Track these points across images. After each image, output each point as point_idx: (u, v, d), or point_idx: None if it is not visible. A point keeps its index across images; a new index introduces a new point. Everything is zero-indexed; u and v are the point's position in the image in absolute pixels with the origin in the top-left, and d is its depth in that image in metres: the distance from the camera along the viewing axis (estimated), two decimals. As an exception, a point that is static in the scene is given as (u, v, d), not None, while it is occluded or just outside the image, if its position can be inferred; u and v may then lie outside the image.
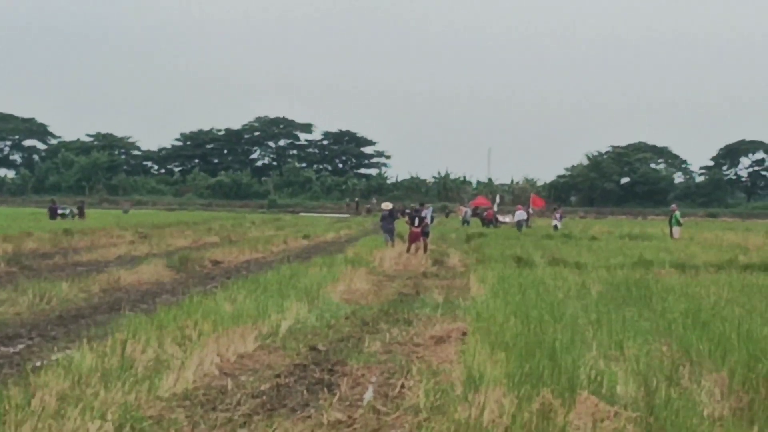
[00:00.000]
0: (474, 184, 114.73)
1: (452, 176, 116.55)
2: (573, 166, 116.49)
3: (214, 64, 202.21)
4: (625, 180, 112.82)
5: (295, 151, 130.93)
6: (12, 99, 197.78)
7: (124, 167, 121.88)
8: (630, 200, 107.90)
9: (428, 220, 27.62)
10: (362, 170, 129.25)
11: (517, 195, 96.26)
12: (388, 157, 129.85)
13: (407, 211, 31.20)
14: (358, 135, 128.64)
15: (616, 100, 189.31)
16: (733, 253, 22.75)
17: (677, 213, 36.09)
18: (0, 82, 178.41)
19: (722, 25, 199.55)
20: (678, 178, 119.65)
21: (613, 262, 19.42)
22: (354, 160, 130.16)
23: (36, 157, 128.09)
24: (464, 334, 9.56)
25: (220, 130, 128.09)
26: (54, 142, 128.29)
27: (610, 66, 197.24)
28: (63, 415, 5.64)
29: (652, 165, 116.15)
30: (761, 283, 14.80)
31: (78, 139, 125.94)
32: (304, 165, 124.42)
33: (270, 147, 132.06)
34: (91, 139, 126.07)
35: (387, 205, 28.73)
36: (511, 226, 47.55)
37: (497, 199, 71.39)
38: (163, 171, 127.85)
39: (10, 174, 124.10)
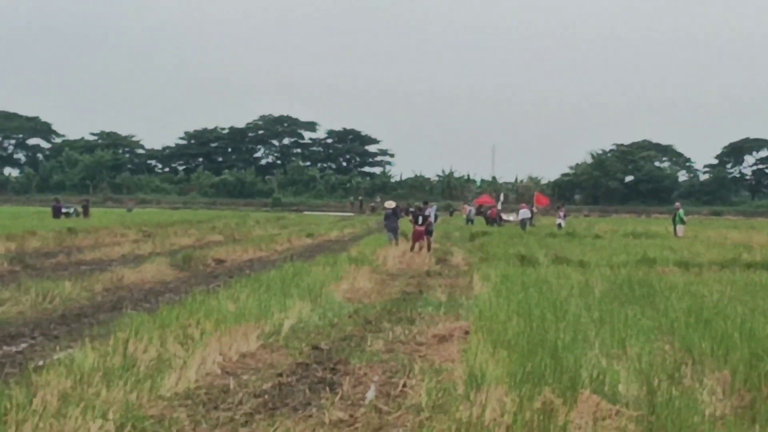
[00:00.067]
0: (478, 183, 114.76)
1: (456, 175, 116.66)
2: (577, 165, 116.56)
3: (218, 63, 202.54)
4: (629, 178, 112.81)
5: (299, 150, 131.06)
6: (16, 98, 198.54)
7: (128, 166, 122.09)
8: (634, 198, 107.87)
9: (432, 219, 27.63)
10: (366, 169, 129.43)
11: (521, 193, 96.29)
12: (392, 155, 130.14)
13: (411, 209, 31.17)
14: (362, 133, 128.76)
15: (620, 98, 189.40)
16: (736, 252, 22.70)
17: (681, 211, 36.05)
18: (4, 81, 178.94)
19: (726, 23, 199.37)
20: (682, 176, 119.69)
21: (617, 261, 19.39)
22: (358, 159, 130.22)
23: (40, 155, 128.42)
24: (467, 332, 9.55)
25: (224, 129, 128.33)
26: (58, 140, 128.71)
27: (614, 64, 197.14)
28: (64, 414, 5.64)
29: (657, 163, 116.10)
30: (764, 282, 14.76)
31: (82, 138, 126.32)
32: (308, 163, 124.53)
33: (274, 145, 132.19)
34: (95, 137, 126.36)
35: (390, 204, 28.74)
36: (515, 225, 47.51)
37: (501, 198, 71.36)
38: (167, 170, 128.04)
39: (15, 173, 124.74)
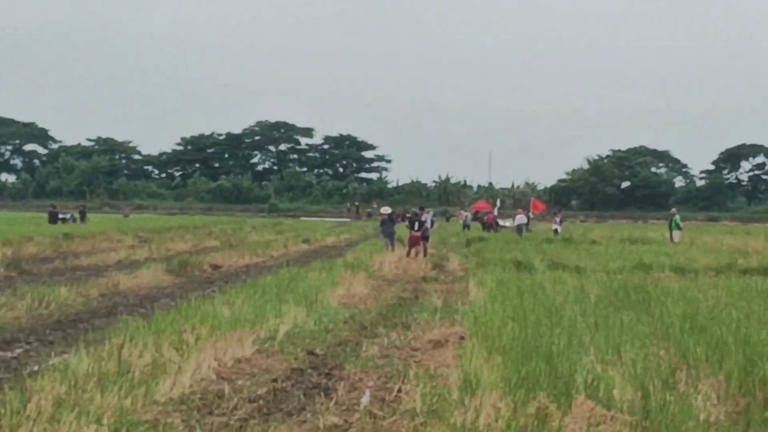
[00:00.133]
0: (475, 188, 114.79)
1: (453, 180, 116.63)
2: (574, 170, 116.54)
3: (215, 69, 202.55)
4: (625, 184, 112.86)
5: (295, 156, 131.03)
6: (13, 103, 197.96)
7: (125, 172, 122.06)
8: (631, 204, 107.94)
9: (428, 225, 27.65)
10: (363, 174, 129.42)
11: (517, 199, 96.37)
12: (388, 161, 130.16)
13: (408, 215, 31.19)
14: (358, 139, 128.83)
15: (617, 104, 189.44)
16: (732, 257, 22.74)
17: (677, 217, 36.12)
18: (1, 87, 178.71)
19: (722, 29, 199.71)
20: (679, 182, 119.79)
21: (613, 266, 19.43)
22: (355, 165, 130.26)
23: (37, 161, 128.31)
24: (462, 338, 9.56)
25: (220, 135, 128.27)
26: (55, 146, 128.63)
27: (611, 70, 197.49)
28: (58, 419, 5.63)
29: (653, 169, 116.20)
30: (760, 287, 14.78)
31: (79, 144, 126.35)
32: (304, 169, 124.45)
33: (271, 151, 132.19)
34: (91, 143, 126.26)
35: (386, 210, 28.77)
36: (511, 231, 47.53)
37: (498, 203, 71.45)
38: (163, 175, 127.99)
39: (11, 178, 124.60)
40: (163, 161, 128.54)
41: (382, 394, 7.27)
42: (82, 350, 7.80)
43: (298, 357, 8.97)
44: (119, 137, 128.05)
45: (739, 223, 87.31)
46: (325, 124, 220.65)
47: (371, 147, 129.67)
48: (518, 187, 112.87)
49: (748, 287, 14.90)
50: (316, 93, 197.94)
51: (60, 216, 51.57)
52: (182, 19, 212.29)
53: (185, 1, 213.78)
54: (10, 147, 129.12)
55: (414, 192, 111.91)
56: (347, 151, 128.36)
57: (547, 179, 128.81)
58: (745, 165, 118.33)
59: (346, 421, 6.34)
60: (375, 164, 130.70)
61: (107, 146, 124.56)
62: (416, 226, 25.35)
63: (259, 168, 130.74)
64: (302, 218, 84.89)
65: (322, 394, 7.21)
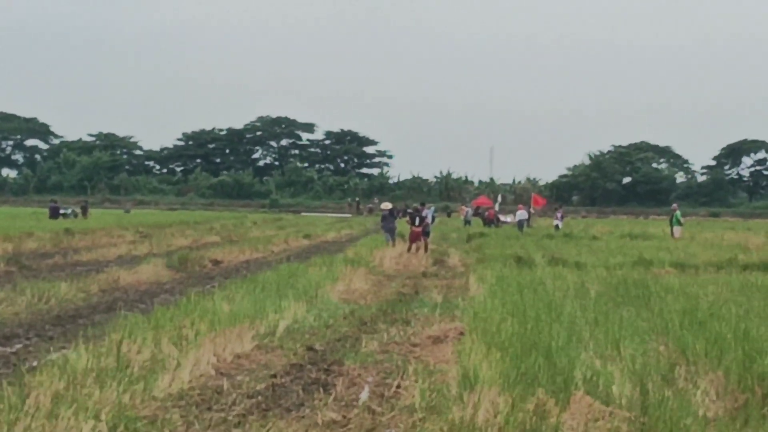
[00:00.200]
0: (476, 184, 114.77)
1: (454, 176, 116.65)
2: (575, 166, 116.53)
3: (216, 64, 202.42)
4: (627, 180, 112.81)
5: (297, 151, 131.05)
6: (14, 99, 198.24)
7: (126, 167, 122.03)
8: (632, 200, 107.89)
9: (429, 220, 27.65)
10: (364, 170, 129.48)
11: (518, 195, 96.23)
12: (390, 156, 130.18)
13: (409, 210, 31.20)
14: (360, 135, 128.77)
15: (618, 100, 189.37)
16: (733, 253, 22.70)
17: (678, 212, 36.05)
18: (2, 82, 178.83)
19: (724, 25, 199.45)
20: (680, 177, 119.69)
21: (613, 262, 19.40)
22: (356, 160, 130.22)
23: (38, 156, 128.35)
24: (462, 333, 9.55)
25: (222, 130, 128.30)
26: (56, 141, 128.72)
27: (612, 66, 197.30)
28: (57, 415, 5.63)
29: (654, 165, 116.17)
30: (760, 283, 14.77)
31: (80, 139, 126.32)
32: (306, 165, 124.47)
33: (272, 147, 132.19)
34: (93, 138, 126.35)
35: (387, 205, 28.77)
36: (512, 226, 47.52)
37: (499, 199, 71.44)
38: (165, 171, 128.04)
39: (12, 174, 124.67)
40: (165, 156, 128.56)
41: (381, 389, 7.27)
42: (81, 346, 7.80)
43: (298, 352, 8.96)
44: (120, 132, 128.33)
45: (740, 218, 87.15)
46: (326, 120, 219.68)
47: (372, 142, 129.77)
48: (519, 182, 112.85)
49: (749, 283, 14.88)
50: (317, 88, 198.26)
51: (61, 211, 51.61)
52: (184, 15, 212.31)
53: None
54: (11, 142, 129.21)
55: (415, 187, 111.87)
56: (348, 147, 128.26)
57: (548, 175, 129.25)
58: (747, 161, 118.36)
59: (344, 416, 6.34)
60: (376, 160, 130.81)
61: (108, 141, 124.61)
62: (417, 222, 25.34)
63: (261, 163, 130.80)
64: (303, 214, 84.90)
65: (321, 389, 7.21)
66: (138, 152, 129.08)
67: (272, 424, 6.04)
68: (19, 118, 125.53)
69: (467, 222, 53.35)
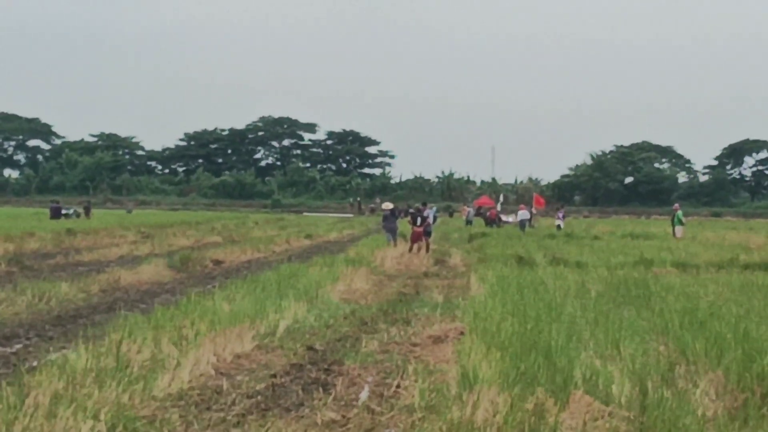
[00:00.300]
0: (478, 184, 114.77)
1: (456, 176, 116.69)
2: (577, 166, 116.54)
3: (218, 64, 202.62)
4: (628, 179, 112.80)
5: (299, 151, 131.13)
6: (16, 99, 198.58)
7: (128, 167, 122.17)
8: (634, 200, 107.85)
9: (430, 220, 27.66)
10: (366, 170, 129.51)
11: (520, 195, 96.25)
12: (392, 156, 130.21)
13: (411, 210, 31.20)
14: (361, 135, 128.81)
15: (620, 99, 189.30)
16: (734, 253, 22.70)
17: (679, 212, 36.06)
18: (4, 82, 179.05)
19: (726, 24, 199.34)
20: (682, 177, 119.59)
21: (614, 262, 19.40)
22: (358, 160, 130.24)
23: (40, 157, 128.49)
24: (462, 333, 9.54)
25: (224, 130, 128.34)
26: (58, 142, 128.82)
27: (614, 66, 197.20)
28: (55, 414, 5.63)
29: (656, 164, 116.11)
30: (761, 283, 14.76)
31: (82, 140, 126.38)
32: (307, 165, 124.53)
33: (274, 147, 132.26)
34: (95, 139, 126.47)
35: (388, 205, 28.78)
36: (514, 226, 47.52)
37: (501, 199, 71.40)
38: (167, 171, 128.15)
39: (15, 174, 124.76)
40: (167, 157, 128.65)
41: (381, 389, 7.26)
42: (81, 346, 7.81)
43: (298, 352, 8.96)
44: (122, 133, 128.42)
45: (742, 218, 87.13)
46: (328, 120, 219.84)
47: (374, 142, 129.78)
48: (521, 182, 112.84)
49: (749, 283, 14.88)
50: (319, 89, 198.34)
51: (63, 212, 51.65)
52: (186, 16, 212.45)
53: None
54: (13, 142, 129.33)
55: (417, 187, 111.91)
56: (350, 147, 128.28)
57: (550, 175, 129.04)
58: (749, 160, 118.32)
59: (344, 416, 6.33)
60: (378, 160, 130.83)
61: (110, 142, 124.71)
62: (418, 222, 25.33)
63: (263, 163, 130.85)
64: (305, 214, 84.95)
65: (321, 389, 7.21)
66: (140, 152, 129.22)
67: (271, 423, 6.04)
68: (21, 118, 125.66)
69: (469, 222, 53.33)
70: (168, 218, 53.09)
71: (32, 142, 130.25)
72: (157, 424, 5.99)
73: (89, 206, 56.47)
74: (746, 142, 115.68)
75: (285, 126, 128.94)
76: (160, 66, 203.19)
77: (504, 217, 55.32)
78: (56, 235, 28.44)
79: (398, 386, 7.28)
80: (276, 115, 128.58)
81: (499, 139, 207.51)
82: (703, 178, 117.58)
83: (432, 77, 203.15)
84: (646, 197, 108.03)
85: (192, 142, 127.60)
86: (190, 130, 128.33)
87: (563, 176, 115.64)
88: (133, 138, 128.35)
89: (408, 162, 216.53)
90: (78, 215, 53.32)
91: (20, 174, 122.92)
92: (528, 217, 46.20)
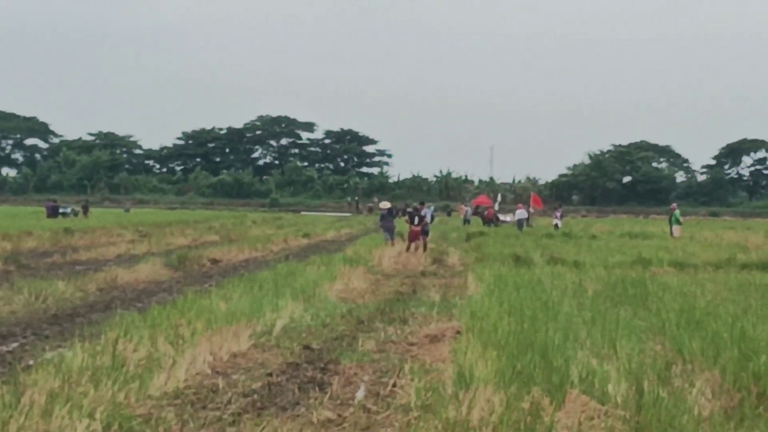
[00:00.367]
0: (476, 183, 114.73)
1: (454, 175, 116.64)
2: (575, 165, 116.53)
3: (216, 63, 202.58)
4: (627, 179, 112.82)
5: (296, 150, 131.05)
6: (14, 98, 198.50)
7: (126, 166, 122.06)
8: (632, 199, 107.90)
9: (428, 219, 27.66)
10: (364, 169, 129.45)
11: (518, 194, 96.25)
12: (389, 156, 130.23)
13: (408, 210, 31.21)
14: (360, 134, 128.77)
15: (618, 99, 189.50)
16: (732, 252, 22.71)
17: (677, 212, 36.05)
18: (2, 81, 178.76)
19: (724, 24, 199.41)
20: (680, 177, 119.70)
21: (612, 261, 19.41)
22: (356, 159, 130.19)
23: (38, 156, 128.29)
24: (459, 332, 9.54)
25: (221, 129, 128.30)
26: (56, 140, 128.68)
27: (612, 65, 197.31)
28: (51, 413, 5.62)
29: (654, 164, 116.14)
30: (758, 282, 14.76)
31: (80, 138, 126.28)
32: (305, 164, 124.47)
33: (272, 146, 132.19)
34: (92, 138, 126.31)
35: (385, 204, 28.81)
36: (511, 225, 47.52)
37: (498, 198, 71.42)
38: (164, 170, 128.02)
39: (12, 173, 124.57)
40: (164, 156, 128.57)
41: (377, 388, 7.26)
42: (77, 344, 7.80)
43: (294, 351, 8.95)
44: (120, 132, 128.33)
45: (740, 218, 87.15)
46: (326, 119, 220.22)
47: (372, 142, 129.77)
48: (519, 182, 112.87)
49: (747, 282, 14.88)
50: (317, 88, 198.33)
51: (61, 210, 51.63)
52: (184, 14, 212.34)
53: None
54: (11, 141, 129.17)
55: (415, 187, 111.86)
56: (348, 146, 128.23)
57: (548, 174, 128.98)
58: (747, 160, 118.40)
59: (339, 415, 6.33)
60: (376, 159, 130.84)
61: (108, 141, 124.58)
62: (416, 221, 25.33)
63: (260, 162, 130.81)
64: (303, 213, 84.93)
65: (317, 388, 7.21)
66: (138, 151, 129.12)
67: (267, 422, 6.03)
68: (18, 117, 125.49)
69: (467, 221, 53.36)
70: (166, 217, 53.09)
71: (30, 141, 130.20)
72: (153, 423, 5.98)
73: (87, 205, 56.47)
74: (744, 141, 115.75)
75: (283, 125, 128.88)
76: (158, 65, 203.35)
77: (502, 217, 55.33)
78: (54, 233, 28.42)
79: (394, 385, 7.28)
80: (274, 114, 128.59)
81: (497, 139, 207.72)
82: (701, 178, 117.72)
83: (430, 77, 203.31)
84: (644, 197, 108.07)
85: (190, 141, 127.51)
86: (188, 129, 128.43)
87: (561, 176, 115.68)
88: (130, 137, 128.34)
89: (406, 161, 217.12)
90: (76, 214, 53.29)
91: (18, 173, 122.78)
92: (526, 216, 46.20)
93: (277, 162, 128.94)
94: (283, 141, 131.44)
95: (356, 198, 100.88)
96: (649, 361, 7.59)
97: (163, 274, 17.28)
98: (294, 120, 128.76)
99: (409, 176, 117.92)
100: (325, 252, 24.32)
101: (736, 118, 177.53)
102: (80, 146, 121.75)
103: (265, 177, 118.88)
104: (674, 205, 39.02)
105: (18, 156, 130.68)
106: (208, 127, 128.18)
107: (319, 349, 9.13)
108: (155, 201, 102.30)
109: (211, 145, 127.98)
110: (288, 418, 6.25)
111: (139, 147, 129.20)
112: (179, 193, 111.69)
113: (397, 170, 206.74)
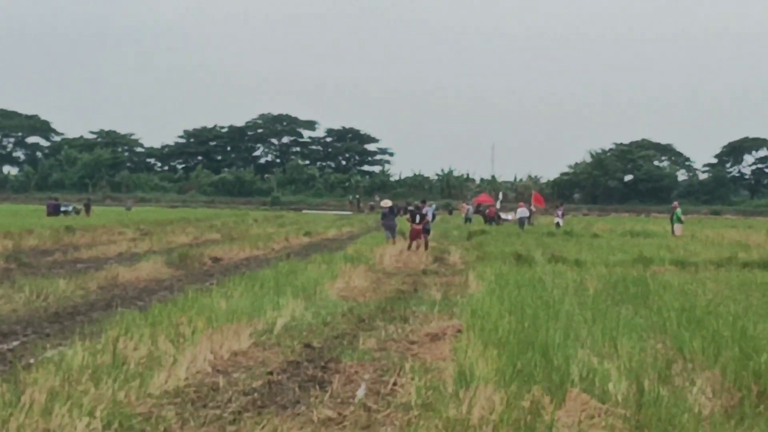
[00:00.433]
0: (477, 182, 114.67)
1: (456, 173, 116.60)
2: (576, 164, 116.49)
3: (218, 61, 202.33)
4: (628, 177, 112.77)
5: (298, 149, 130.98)
6: (15, 96, 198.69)
7: (128, 164, 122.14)
8: (633, 198, 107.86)
9: (429, 218, 27.65)
10: (365, 167, 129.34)
11: (520, 192, 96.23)
12: (391, 154, 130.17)
13: (409, 208, 31.21)
14: (361, 132, 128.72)
15: (620, 97, 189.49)
16: (733, 251, 22.70)
17: (678, 210, 36.07)
18: (3, 79, 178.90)
19: (726, 22, 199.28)
20: (682, 175, 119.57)
21: (613, 260, 19.40)
22: (357, 158, 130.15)
23: (39, 154, 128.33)
24: (459, 331, 9.54)
25: (223, 128, 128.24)
26: (57, 139, 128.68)
27: (614, 63, 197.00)
28: (51, 412, 5.62)
29: (656, 162, 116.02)
30: (759, 281, 14.77)
31: (81, 136, 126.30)
32: (307, 162, 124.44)
33: (273, 144, 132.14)
34: (94, 136, 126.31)
35: (387, 203, 28.83)
36: (513, 224, 47.49)
37: (500, 197, 71.38)
38: (166, 168, 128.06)
39: (14, 171, 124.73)
40: (166, 154, 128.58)
41: (378, 387, 7.26)
42: (77, 343, 7.80)
43: (295, 350, 8.95)
44: (122, 130, 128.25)
45: (742, 216, 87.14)
46: (327, 117, 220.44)
47: (374, 140, 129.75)
48: (521, 180, 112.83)
49: (748, 281, 14.89)
50: (318, 86, 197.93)
51: (62, 209, 51.66)
52: (185, 12, 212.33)
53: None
54: (12, 139, 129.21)
55: (417, 185, 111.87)
56: (350, 144, 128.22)
57: (549, 172, 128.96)
58: (748, 158, 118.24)
59: (340, 414, 6.33)
60: (378, 157, 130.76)
61: (110, 139, 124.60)
62: (417, 219, 25.32)
63: (262, 161, 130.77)
64: (304, 211, 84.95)
65: (318, 387, 7.21)
66: (139, 149, 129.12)
67: (267, 421, 6.02)
68: (20, 115, 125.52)
69: (468, 219, 53.32)
70: (167, 215, 53.10)
71: (31, 139, 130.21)
72: (153, 421, 5.98)
73: (89, 204, 56.44)
74: (746, 140, 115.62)
75: (284, 123, 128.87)
76: (160, 63, 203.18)
77: (503, 215, 55.26)
78: (55, 232, 28.44)
79: (395, 384, 7.28)
80: (275, 113, 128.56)
81: (498, 137, 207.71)
82: (702, 176, 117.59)
83: (432, 75, 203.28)
84: (645, 195, 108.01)
85: (191, 140, 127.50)
86: (190, 128, 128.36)
87: (563, 174, 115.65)
88: (132, 135, 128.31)
89: (407, 159, 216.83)
90: (78, 212, 53.32)
91: (19, 171, 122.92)
92: (527, 214, 46.16)
93: (278, 160, 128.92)
94: (285, 139, 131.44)
95: (357, 196, 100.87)
96: (649, 360, 7.58)
97: (164, 272, 17.28)
98: (295, 118, 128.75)
99: (411, 174, 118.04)
100: (327, 250, 24.31)
101: (737, 116, 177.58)
102: (82, 144, 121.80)
103: (266, 175, 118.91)
104: (676, 203, 39.06)
105: (19, 154, 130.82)
106: (210, 126, 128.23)
107: (319, 347, 9.14)
108: (157, 199, 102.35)
109: (212, 143, 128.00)
110: (288, 416, 6.25)
111: (141, 145, 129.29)
112: (181, 192, 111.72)
113: (399, 168, 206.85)
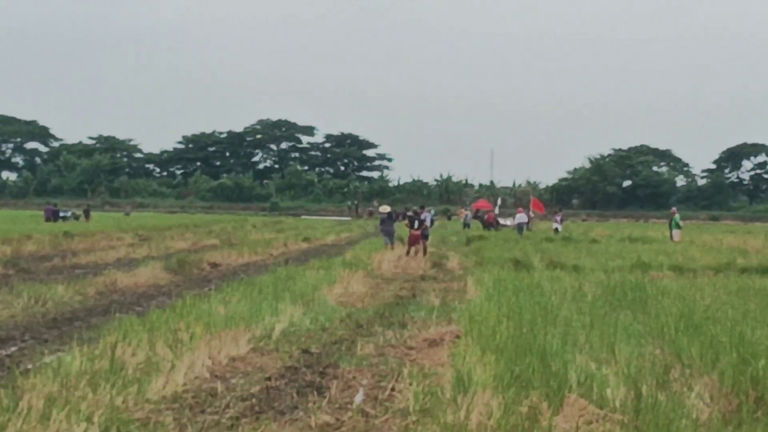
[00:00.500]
0: (476, 187, 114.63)
1: (454, 179, 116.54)
2: (575, 169, 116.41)
3: (217, 67, 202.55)
4: (627, 183, 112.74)
5: (297, 154, 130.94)
6: (14, 101, 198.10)
7: (126, 170, 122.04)
8: (632, 203, 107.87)
9: (428, 223, 27.65)
10: (364, 173, 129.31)
11: (518, 198, 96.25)
12: (390, 159, 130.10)
13: (408, 213, 31.23)
14: (360, 138, 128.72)
15: (619, 102, 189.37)
16: (731, 256, 22.72)
17: (677, 216, 36.11)
18: (2, 85, 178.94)
19: (724, 27, 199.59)
20: (680, 181, 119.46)
21: (611, 265, 19.42)
22: (356, 163, 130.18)
23: (38, 159, 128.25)
24: (458, 336, 9.54)
25: (222, 133, 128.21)
26: (56, 144, 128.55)
27: (612, 69, 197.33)
28: (49, 417, 5.62)
29: (655, 168, 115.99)
30: (757, 286, 14.78)
31: (80, 142, 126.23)
32: (306, 168, 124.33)
33: (272, 150, 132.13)
34: (93, 141, 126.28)
35: (385, 208, 28.82)
36: (512, 229, 47.48)
37: (499, 202, 71.41)
38: (165, 174, 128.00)
39: (12, 176, 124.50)
40: (165, 159, 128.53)
41: (376, 392, 7.26)
42: (75, 348, 7.80)
43: (293, 355, 8.95)
44: (120, 135, 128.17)
45: (741, 222, 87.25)
46: (326, 123, 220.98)
47: (373, 145, 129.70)
48: (519, 185, 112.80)
49: (746, 286, 14.90)
50: (317, 91, 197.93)
51: (61, 214, 51.66)
52: (184, 17, 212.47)
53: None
54: (11, 145, 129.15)
55: (415, 191, 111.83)
56: (349, 150, 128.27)
57: (548, 178, 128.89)
58: (747, 164, 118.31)
59: (338, 419, 6.33)
60: (376, 163, 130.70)
61: (108, 144, 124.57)
62: (416, 225, 25.33)
63: (261, 166, 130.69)
64: (303, 217, 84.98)
65: (316, 392, 7.21)
66: (138, 155, 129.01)
67: (265, 426, 6.04)
68: (19, 120, 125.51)
69: (467, 225, 53.33)
70: (166, 221, 53.09)
71: (30, 145, 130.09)
72: (151, 427, 5.98)
73: (89, 209, 56.44)
74: (744, 145, 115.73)
75: (283, 129, 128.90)
76: (159, 68, 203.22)
77: (502, 221, 55.26)
78: (53, 237, 28.44)
79: (393, 389, 7.28)
80: (274, 118, 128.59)
81: (497, 143, 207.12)
82: (701, 182, 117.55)
83: (430, 80, 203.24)
84: (644, 201, 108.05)
85: (190, 145, 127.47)
86: (188, 133, 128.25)
87: (561, 180, 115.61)
88: (131, 141, 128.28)
89: (406, 165, 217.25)
90: (77, 217, 53.31)
91: (18, 176, 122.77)
92: (526, 220, 46.12)
93: (277, 166, 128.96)
94: (284, 145, 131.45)
95: (356, 202, 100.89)
96: (647, 366, 7.59)
97: (163, 278, 17.27)
98: (294, 124, 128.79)
99: (410, 180, 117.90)
100: (325, 256, 24.29)
101: (736, 122, 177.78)
102: (80, 150, 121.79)
103: (265, 181, 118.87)
104: (674, 209, 39.08)
105: (18, 160, 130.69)
106: (209, 131, 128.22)
107: (317, 353, 9.13)
108: (155, 205, 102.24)
109: (211, 148, 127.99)
110: (286, 422, 6.26)
111: (140, 151, 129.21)
112: (179, 197, 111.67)
113: (398, 174, 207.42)
